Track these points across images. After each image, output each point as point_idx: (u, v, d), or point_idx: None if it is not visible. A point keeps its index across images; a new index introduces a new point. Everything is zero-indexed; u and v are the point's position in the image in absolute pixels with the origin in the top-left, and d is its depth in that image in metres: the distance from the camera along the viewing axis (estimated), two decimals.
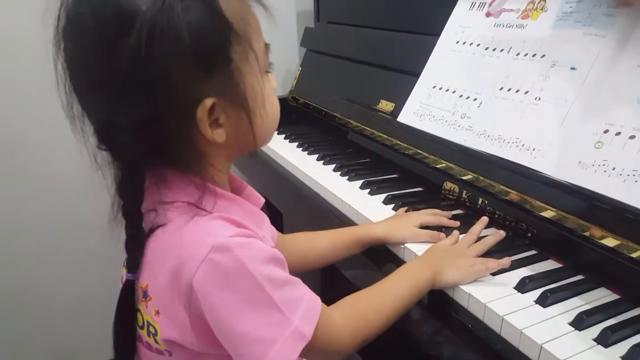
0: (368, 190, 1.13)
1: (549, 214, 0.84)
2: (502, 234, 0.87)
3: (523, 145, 0.90)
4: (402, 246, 0.90)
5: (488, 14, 1.06)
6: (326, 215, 1.12)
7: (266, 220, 0.72)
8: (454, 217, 0.97)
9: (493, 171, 0.94)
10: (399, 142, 1.19)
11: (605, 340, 0.64)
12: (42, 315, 1.77)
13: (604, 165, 0.77)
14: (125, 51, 0.52)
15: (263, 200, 0.77)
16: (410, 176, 1.19)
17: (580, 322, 0.67)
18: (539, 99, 0.91)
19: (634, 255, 0.72)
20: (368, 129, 1.32)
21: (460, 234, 0.90)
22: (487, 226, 0.94)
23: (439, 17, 1.18)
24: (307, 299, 0.64)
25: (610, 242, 0.75)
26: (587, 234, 0.78)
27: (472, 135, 1.00)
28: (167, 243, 0.61)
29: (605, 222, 0.76)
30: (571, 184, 0.80)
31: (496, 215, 0.95)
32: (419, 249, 0.88)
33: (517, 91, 0.95)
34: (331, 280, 1.48)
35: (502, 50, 1.02)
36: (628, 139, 0.76)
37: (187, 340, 0.61)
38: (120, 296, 0.65)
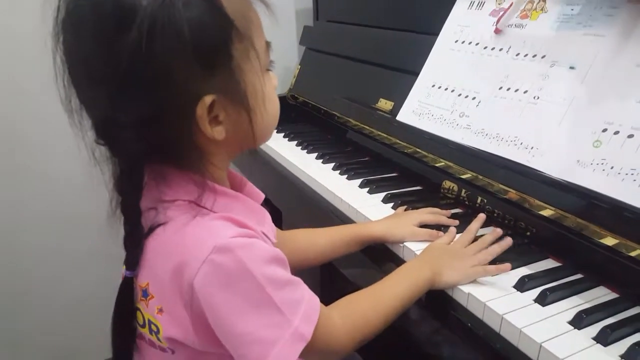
0: (367, 189, 1.13)
1: (547, 212, 0.84)
2: (499, 231, 0.87)
3: (522, 144, 0.90)
4: (401, 245, 0.90)
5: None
6: (325, 214, 1.12)
7: (267, 216, 0.72)
8: (453, 216, 0.97)
9: (492, 170, 0.94)
10: (398, 141, 1.20)
11: (604, 339, 0.65)
12: (42, 314, 1.77)
13: (602, 164, 0.78)
14: (126, 46, 0.52)
15: (263, 196, 0.77)
16: (409, 175, 1.19)
17: (579, 321, 0.68)
18: (538, 98, 0.91)
19: (633, 254, 0.72)
20: (367, 127, 1.32)
21: (459, 232, 0.90)
22: (487, 225, 0.94)
23: (438, 16, 1.19)
24: (307, 299, 0.64)
25: (609, 241, 0.75)
26: (585, 232, 0.78)
27: (470, 133, 1.00)
28: (168, 242, 0.61)
29: (604, 220, 0.76)
30: (570, 182, 0.80)
31: (495, 214, 0.95)
32: (418, 247, 0.88)
33: (516, 90, 0.95)
34: (330, 279, 1.48)
35: (501, 50, 1.02)
36: (626, 138, 0.76)
37: (188, 339, 0.61)
38: (118, 293, 0.65)
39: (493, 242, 0.84)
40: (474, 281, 0.78)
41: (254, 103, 0.63)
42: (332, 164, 1.28)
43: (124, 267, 0.65)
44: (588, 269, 0.80)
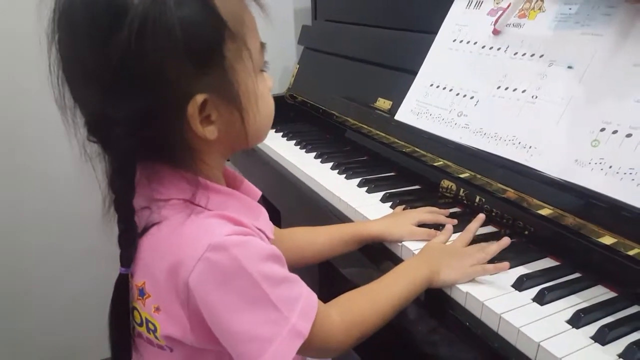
0: (366, 188, 1.13)
1: (546, 212, 0.84)
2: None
3: (520, 143, 0.90)
4: (399, 244, 0.90)
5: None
6: (324, 213, 1.12)
7: (264, 213, 0.72)
8: (451, 215, 0.97)
9: (490, 169, 0.94)
10: (396, 140, 1.20)
11: (602, 337, 0.65)
12: (42, 313, 1.77)
13: (600, 163, 0.78)
14: (117, 44, 0.52)
15: (260, 193, 0.77)
16: (407, 174, 1.19)
17: (577, 320, 0.68)
18: (536, 97, 0.91)
19: (631, 253, 0.72)
20: (366, 127, 1.32)
21: (458, 232, 0.90)
22: (485, 224, 0.94)
23: (436, 15, 1.19)
24: (305, 296, 0.64)
25: (607, 240, 0.75)
26: (584, 232, 0.78)
27: (468, 133, 1.00)
28: (164, 241, 0.61)
29: (602, 220, 0.76)
30: (568, 182, 0.81)
31: (493, 213, 0.95)
32: (416, 246, 0.88)
33: (515, 90, 0.95)
34: (328, 278, 1.48)
35: (499, 49, 1.02)
36: (625, 137, 0.76)
37: (186, 337, 0.62)
38: (114, 290, 0.65)
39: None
40: (472, 280, 0.78)
41: (247, 103, 0.62)
42: (331, 163, 1.28)
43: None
44: (586, 268, 0.80)
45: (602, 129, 0.79)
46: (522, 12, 1.00)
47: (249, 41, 0.62)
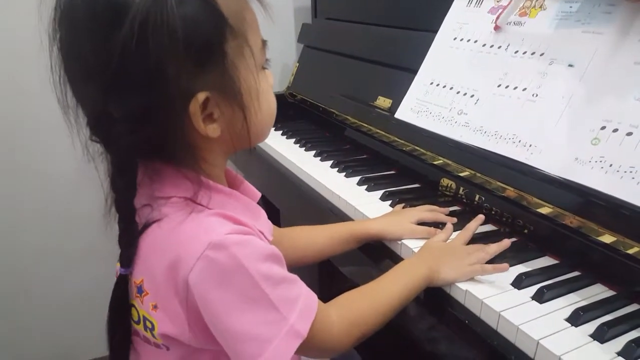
0: (365, 187, 1.13)
1: (545, 210, 0.84)
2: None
3: (520, 141, 0.90)
4: (399, 242, 0.90)
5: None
6: (323, 212, 1.12)
7: (263, 213, 0.72)
8: (451, 214, 0.97)
9: (490, 168, 0.94)
10: (396, 139, 1.20)
11: (601, 336, 0.65)
12: (41, 313, 1.77)
13: (600, 161, 0.78)
14: (118, 41, 0.52)
15: (260, 195, 0.77)
16: (407, 173, 1.19)
17: (576, 318, 0.68)
18: (537, 95, 0.91)
19: (630, 251, 0.72)
20: (365, 125, 1.32)
21: (457, 230, 0.90)
22: (485, 223, 0.94)
23: (436, 13, 1.19)
24: (304, 296, 0.64)
25: (607, 238, 0.75)
26: (583, 230, 0.78)
27: (468, 131, 1.00)
28: (163, 239, 0.61)
29: (602, 218, 0.76)
30: (568, 180, 0.80)
31: (493, 212, 0.95)
32: (415, 245, 0.88)
33: (515, 88, 0.95)
34: (328, 277, 1.48)
35: (499, 47, 1.02)
36: (625, 136, 0.76)
37: (183, 335, 0.61)
38: (114, 291, 0.65)
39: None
40: (471, 278, 0.78)
41: (248, 100, 0.62)
42: (330, 162, 1.28)
43: (118, 264, 0.65)
44: (585, 266, 0.80)
45: (603, 127, 0.79)
46: (523, 10, 1.00)
47: (250, 38, 0.62)
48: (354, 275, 1.07)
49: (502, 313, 0.69)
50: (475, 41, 1.08)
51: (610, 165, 0.76)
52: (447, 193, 1.06)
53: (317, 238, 0.95)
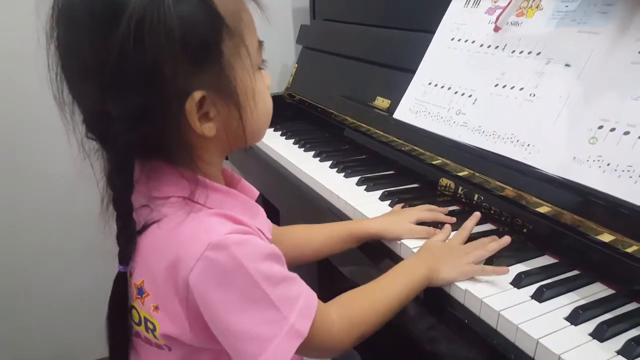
0: (364, 187, 1.13)
1: (544, 209, 0.84)
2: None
3: (518, 141, 0.90)
4: (398, 242, 0.90)
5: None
6: (323, 212, 1.12)
7: (262, 212, 0.72)
8: (450, 213, 0.97)
9: (488, 167, 0.95)
10: (395, 139, 1.20)
11: (600, 334, 0.65)
12: (41, 313, 1.77)
13: (598, 160, 0.78)
14: (115, 40, 0.52)
15: (258, 193, 0.77)
16: (406, 172, 1.19)
17: (576, 317, 0.68)
18: (534, 95, 0.92)
19: (629, 250, 0.72)
20: (364, 125, 1.32)
21: (456, 230, 0.90)
22: (484, 222, 0.94)
23: (434, 14, 1.19)
24: (305, 295, 0.64)
25: (606, 237, 0.75)
26: (582, 229, 0.78)
27: (467, 131, 1.00)
28: (163, 239, 0.61)
29: (601, 217, 0.76)
30: (566, 179, 0.81)
31: (492, 211, 0.96)
32: (415, 245, 0.88)
33: (512, 88, 0.96)
34: (328, 277, 1.48)
35: (497, 47, 1.02)
36: (622, 135, 0.77)
37: (185, 335, 0.62)
38: (112, 288, 0.65)
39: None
40: (471, 278, 0.78)
41: (244, 100, 0.63)
42: (330, 162, 1.28)
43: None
44: (584, 265, 0.80)
45: (600, 127, 0.80)
46: (520, 10, 1.00)
47: (246, 38, 0.62)
48: (354, 275, 1.07)
49: (501, 312, 0.70)
50: (473, 41, 1.08)
51: (608, 164, 0.76)
52: (446, 193, 1.07)
53: (316, 237, 0.95)
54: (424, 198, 1.05)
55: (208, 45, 0.57)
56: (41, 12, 0.56)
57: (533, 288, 0.74)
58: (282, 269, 0.63)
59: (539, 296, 0.73)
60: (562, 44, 0.91)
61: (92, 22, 0.54)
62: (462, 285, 0.76)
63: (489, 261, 0.81)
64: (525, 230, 0.90)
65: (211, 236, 0.58)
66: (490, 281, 0.77)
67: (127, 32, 0.52)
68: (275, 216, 1.53)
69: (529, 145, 0.88)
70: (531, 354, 0.65)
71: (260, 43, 0.67)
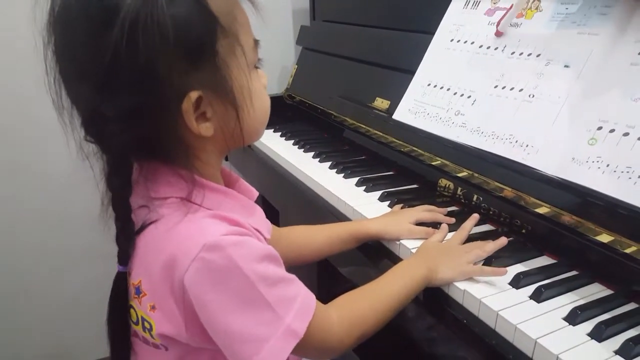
0: (364, 187, 1.13)
1: (543, 210, 0.84)
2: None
3: (517, 141, 0.91)
4: (397, 242, 0.90)
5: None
6: (322, 213, 1.12)
7: (260, 211, 0.72)
8: (449, 214, 0.97)
9: (487, 168, 0.95)
10: (394, 140, 1.20)
11: (599, 334, 0.65)
12: (41, 313, 1.77)
13: (597, 161, 0.78)
14: (110, 41, 0.52)
15: (257, 193, 0.76)
16: (405, 173, 1.19)
17: (574, 317, 0.68)
18: (533, 96, 0.92)
19: (628, 250, 0.72)
20: (364, 126, 1.32)
21: (454, 230, 0.90)
22: (483, 223, 0.95)
23: (433, 15, 1.19)
24: (303, 296, 0.64)
25: (604, 238, 0.75)
26: (581, 230, 0.78)
27: (466, 132, 1.00)
28: (160, 239, 0.61)
29: (599, 218, 0.77)
30: (565, 180, 0.81)
31: (491, 212, 0.96)
32: (414, 245, 0.88)
33: (512, 89, 0.96)
34: (327, 277, 1.48)
35: (496, 49, 1.03)
36: (622, 136, 0.77)
37: (181, 335, 0.62)
38: (112, 288, 0.66)
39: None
40: (469, 278, 0.78)
41: (241, 99, 0.63)
42: (329, 163, 1.29)
43: None
44: (583, 265, 0.80)
45: (599, 128, 0.80)
46: (520, 11, 1.01)
47: (241, 37, 0.62)
48: (353, 276, 1.07)
49: (500, 312, 0.70)
50: (472, 42, 1.08)
51: (607, 165, 0.77)
52: (445, 193, 1.07)
53: (315, 237, 0.95)
54: (423, 199, 1.06)
55: (203, 45, 0.58)
56: (37, 17, 0.57)
57: (532, 288, 0.75)
58: (279, 270, 0.63)
59: (537, 296, 0.73)
60: (562, 45, 0.91)
61: (87, 23, 0.55)
62: (461, 285, 0.77)
63: (488, 262, 0.81)
64: (524, 230, 0.90)
65: (207, 237, 0.58)
66: (489, 281, 0.77)
67: (121, 34, 0.52)
68: (274, 217, 1.53)
69: (528, 146, 0.89)
70: (529, 354, 0.65)
71: (256, 42, 0.67)
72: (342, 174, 1.21)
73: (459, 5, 1.15)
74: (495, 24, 1.04)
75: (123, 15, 0.52)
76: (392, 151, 1.22)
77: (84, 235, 1.61)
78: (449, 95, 1.08)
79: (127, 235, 0.62)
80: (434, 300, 0.80)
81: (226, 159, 1.59)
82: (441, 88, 1.11)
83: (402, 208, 1.01)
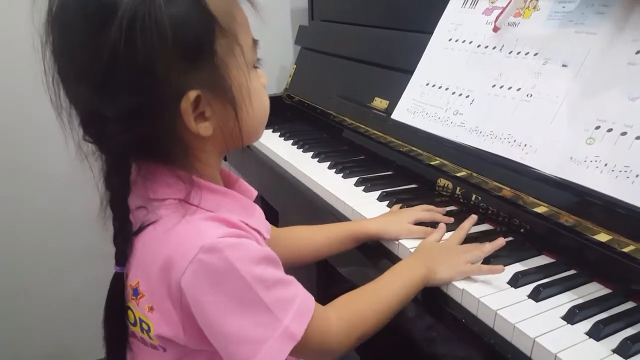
0: (363, 187, 1.13)
1: (541, 209, 0.84)
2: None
3: (515, 141, 0.91)
4: (396, 242, 0.91)
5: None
6: (321, 213, 1.12)
7: (258, 211, 0.72)
8: (447, 214, 0.98)
9: (486, 168, 0.95)
10: (393, 140, 1.20)
11: (597, 333, 0.65)
12: (40, 313, 1.77)
13: (595, 161, 0.78)
14: (108, 40, 0.52)
15: (256, 193, 0.76)
16: (404, 173, 1.19)
17: (572, 316, 0.68)
18: (531, 95, 0.92)
19: (626, 250, 0.73)
20: (363, 126, 1.32)
21: (453, 230, 0.91)
22: (482, 222, 0.95)
23: (432, 15, 1.19)
24: (301, 297, 0.64)
25: (602, 237, 0.75)
26: (579, 229, 0.79)
27: (464, 131, 1.01)
28: (158, 241, 0.61)
29: (598, 217, 0.77)
30: (563, 179, 0.81)
31: (489, 211, 0.96)
32: (413, 245, 0.88)
33: (510, 88, 0.96)
34: (326, 278, 1.48)
35: (494, 48, 1.03)
36: (619, 135, 0.77)
37: (179, 337, 0.62)
38: (109, 289, 0.66)
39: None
40: (468, 278, 0.78)
41: (240, 99, 0.62)
42: (328, 163, 1.29)
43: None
44: (581, 264, 0.80)
45: (597, 127, 0.80)
46: (517, 11, 1.01)
47: (240, 37, 0.62)
48: (352, 276, 1.07)
49: (498, 312, 0.70)
50: (470, 42, 1.08)
51: (605, 165, 0.77)
52: (444, 193, 1.07)
53: (314, 238, 0.95)
54: (422, 198, 1.06)
55: (201, 45, 0.57)
56: (36, 17, 0.57)
57: (530, 287, 0.75)
58: (277, 272, 0.63)
59: (535, 295, 0.73)
60: (559, 44, 0.91)
61: (85, 23, 0.55)
62: (460, 284, 0.77)
63: (487, 261, 0.81)
64: (522, 230, 0.90)
65: (204, 239, 0.58)
66: (488, 281, 0.77)
67: (119, 33, 0.52)
68: (274, 217, 1.53)
69: (526, 145, 0.89)
70: (528, 353, 0.66)
71: (255, 42, 0.67)
72: (341, 174, 1.22)
73: (457, 4, 1.15)
74: (493, 22, 1.04)
75: (121, 14, 0.52)
76: (391, 151, 1.22)
77: (84, 235, 1.61)
78: (448, 94, 1.08)
79: (124, 236, 0.62)
80: (432, 299, 0.80)
81: (225, 160, 1.59)
82: (439, 88, 1.11)
83: (401, 208, 1.01)
